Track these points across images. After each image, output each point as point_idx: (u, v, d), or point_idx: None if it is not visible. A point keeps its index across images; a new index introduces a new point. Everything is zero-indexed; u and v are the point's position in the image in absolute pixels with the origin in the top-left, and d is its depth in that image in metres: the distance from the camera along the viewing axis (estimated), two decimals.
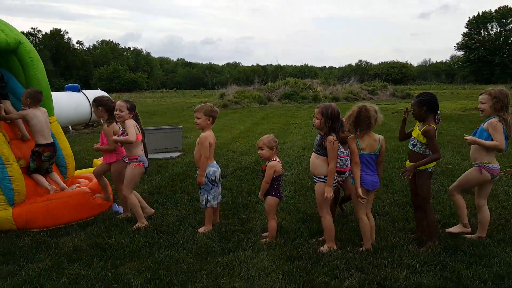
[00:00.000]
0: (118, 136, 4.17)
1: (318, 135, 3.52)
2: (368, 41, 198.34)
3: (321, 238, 3.71)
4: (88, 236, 3.89)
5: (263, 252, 3.48)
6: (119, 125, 4.38)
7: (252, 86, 25.79)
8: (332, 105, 3.50)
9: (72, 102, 12.08)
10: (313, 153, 3.54)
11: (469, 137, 3.50)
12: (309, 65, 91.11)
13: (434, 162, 3.52)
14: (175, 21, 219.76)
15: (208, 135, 3.99)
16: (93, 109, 4.44)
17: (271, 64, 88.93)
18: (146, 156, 4.32)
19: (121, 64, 67.07)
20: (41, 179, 4.56)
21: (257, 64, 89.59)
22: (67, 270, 3.20)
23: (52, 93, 12.20)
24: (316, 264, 3.25)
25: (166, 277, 3.06)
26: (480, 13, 59.67)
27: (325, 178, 3.44)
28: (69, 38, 72.86)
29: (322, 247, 3.53)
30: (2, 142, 4.01)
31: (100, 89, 16.30)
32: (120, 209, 4.68)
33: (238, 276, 3.09)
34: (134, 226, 4.08)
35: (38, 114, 4.50)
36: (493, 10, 59.20)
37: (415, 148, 3.58)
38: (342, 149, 3.99)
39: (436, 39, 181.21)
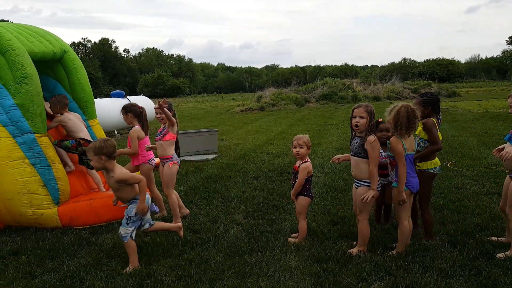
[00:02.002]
0: (158, 136, 4.37)
1: (356, 138, 3.41)
2: (412, 39, 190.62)
3: (354, 243, 3.61)
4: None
5: (291, 253, 3.50)
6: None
7: (289, 87, 25.74)
8: (369, 103, 3.45)
9: (117, 108, 12.64)
10: (353, 157, 3.41)
11: (510, 149, 3.11)
12: (350, 64, 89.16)
13: (438, 163, 3.51)
14: (215, 27, 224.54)
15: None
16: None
17: (310, 65, 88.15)
18: (178, 156, 4.51)
19: (164, 71, 69.69)
20: (64, 154, 4.84)
21: (296, 66, 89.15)
22: (105, 266, 3.42)
23: (99, 99, 13.02)
24: (344, 266, 3.23)
25: (196, 274, 3.18)
26: None
27: (369, 181, 3.35)
28: (116, 47, 76.99)
29: (352, 250, 3.49)
30: (48, 145, 4.37)
31: (144, 95, 17.05)
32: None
33: (265, 276, 3.14)
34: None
35: (71, 117, 4.83)
36: None
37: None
38: (381, 151, 3.87)
39: (486, 34, 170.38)
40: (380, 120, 3.87)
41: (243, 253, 3.56)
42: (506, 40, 59.14)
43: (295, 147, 3.72)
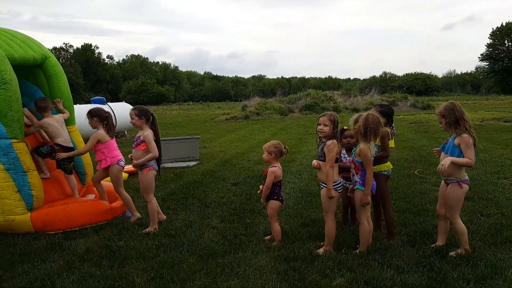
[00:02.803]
0: (134, 143, 4.57)
1: (322, 143, 3.66)
2: (393, 53, 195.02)
3: (321, 243, 3.83)
4: (100, 238, 4.21)
5: (262, 254, 3.68)
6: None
7: (274, 97, 26.14)
8: (334, 113, 3.72)
9: None
10: (318, 161, 3.67)
11: (446, 164, 3.33)
12: (333, 77, 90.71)
13: (390, 166, 3.87)
14: (202, 36, 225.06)
15: None
16: (88, 121, 4.78)
17: (295, 77, 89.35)
18: (159, 162, 4.62)
19: (149, 78, 69.31)
20: (41, 162, 4.90)
21: (282, 77, 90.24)
22: (77, 269, 3.48)
23: (79, 105, 12.98)
24: (310, 264, 3.42)
25: (168, 275, 3.31)
26: (504, 24, 58.36)
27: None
28: (99, 53, 76.35)
29: (319, 250, 3.69)
30: (24, 152, 4.42)
31: (126, 102, 17.07)
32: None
33: (236, 275, 3.29)
34: (144, 230, 4.38)
35: (52, 122, 4.88)
36: None
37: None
38: (346, 156, 4.14)
39: (461, 50, 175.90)
40: (345, 128, 4.16)
41: (216, 255, 3.70)
42: (478, 57, 62.01)
43: (263, 153, 3.96)
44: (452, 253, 3.48)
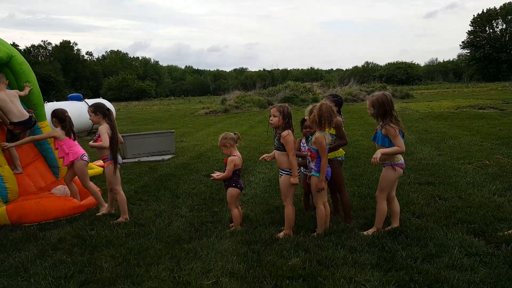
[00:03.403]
0: (94, 138, 4.75)
1: (277, 134, 3.89)
2: (375, 43, 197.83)
3: (282, 228, 4.05)
4: (73, 229, 4.34)
5: (226, 239, 3.87)
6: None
7: (253, 90, 26.26)
8: (285, 104, 3.91)
9: (74, 111, 12.58)
10: (275, 150, 3.92)
11: (377, 157, 3.55)
12: (316, 68, 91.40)
13: (343, 152, 4.12)
14: (182, 29, 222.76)
15: None
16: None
17: (277, 69, 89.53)
18: (117, 155, 4.76)
19: (129, 74, 68.41)
20: (16, 157, 5.07)
21: (264, 69, 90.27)
22: (50, 257, 3.63)
23: (55, 102, 12.86)
24: (268, 246, 3.63)
25: (134, 260, 3.47)
26: (485, 11, 59.16)
27: (290, 171, 3.82)
28: (78, 50, 74.85)
29: (279, 234, 3.90)
30: None
31: (104, 98, 16.92)
32: None
33: (199, 258, 3.47)
34: (116, 221, 4.51)
35: (3, 96, 4.93)
36: (497, 7, 58.72)
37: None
38: (305, 145, 4.35)
39: (443, 39, 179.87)
40: (305, 118, 4.37)
41: (182, 241, 3.88)
42: (460, 45, 62.82)
43: (222, 150, 4.19)
44: (365, 232, 3.80)
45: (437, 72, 72.80)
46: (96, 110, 4.69)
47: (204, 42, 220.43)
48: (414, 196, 4.87)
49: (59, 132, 4.89)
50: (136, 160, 8.46)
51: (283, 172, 3.87)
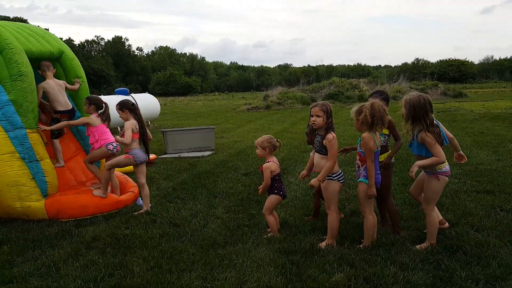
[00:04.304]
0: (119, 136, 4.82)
1: (318, 136, 3.56)
2: (426, 39, 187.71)
3: (324, 237, 3.73)
4: (108, 226, 4.29)
5: (263, 246, 3.61)
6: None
7: (297, 87, 25.76)
8: (327, 102, 3.57)
9: None
10: (316, 153, 3.60)
11: (414, 171, 3.25)
12: (363, 64, 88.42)
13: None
14: (228, 25, 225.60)
15: None
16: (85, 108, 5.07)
17: (322, 64, 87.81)
18: (147, 152, 4.85)
19: (177, 69, 70.32)
20: (59, 151, 5.20)
21: (308, 65, 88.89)
22: (83, 256, 3.56)
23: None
24: (309, 258, 3.32)
25: (166, 265, 3.32)
26: None
27: (333, 175, 3.50)
28: (129, 45, 78.23)
29: (321, 243, 3.58)
30: (38, 142, 4.56)
31: (151, 93, 17.34)
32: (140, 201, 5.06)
33: (233, 267, 3.25)
34: (136, 212, 4.67)
35: (52, 84, 5.07)
36: None
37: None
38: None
39: (500, 35, 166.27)
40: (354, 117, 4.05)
41: (217, 246, 3.68)
42: None
43: (257, 149, 3.91)
44: (418, 246, 3.37)
45: (492, 70, 67.61)
46: (122, 107, 4.76)
47: (249, 38, 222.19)
48: (471, 206, 4.33)
49: (93, 118, 4.93)
50: (176, 155, 8.46)
51: (326, 177, 3.54)
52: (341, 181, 3.54)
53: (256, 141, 3.90)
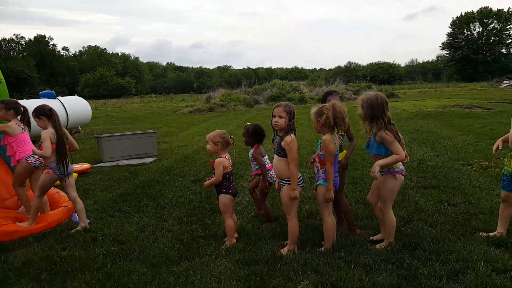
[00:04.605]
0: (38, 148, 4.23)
1: (277, 137, 3.42)
2: (357, 43, 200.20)
3: (285, 242, 3.60)
4: (42, 248, 3.75)
5: (221, 258, 3.37)
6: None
7: (239, 89, 25.69)
8: (290, 103, 3.43)
9: None
10: (275, 155, 3.44)
11: (375, 171, 3.16)
12: (300, 67, 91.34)
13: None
14: (164, 25, 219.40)
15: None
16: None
17: (261, 67, 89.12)
18: (65, 164, 4.20)
19: (108, 70, 66.50)
20: None
21: (248, 67, 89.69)
22: (12, 286, 3.06)
23: (26, 100, 12.00)
24: (272, 267, 3.15)
25: None
26: (463, 14, 60.87)
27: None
28: (54, 45, 72.10)
29: (282, 250, 3.44)
30: None
31: (80, 95, 16.02)
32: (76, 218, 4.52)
33: (191, 284, 2.97)
34: (73, 230, 4.17)
35: None
36: (475, 11, 60.37)
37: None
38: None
39: (423, 40, 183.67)
40: (247, 124, 4.24)
41: (170, 263, 3.36)
42: (439, 46, 64.26)
43: (208, 143, 3.70)
44: (378, 246, 3.39)
45: (417, 72, 73.99)
46: (39, 113, 4.13)
47: (186, 39, 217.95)
48: (421, 201, 4.50)
49: (13, 126, 4.32)
50: (114, 164, 7.82)
51: (284, 182, 3.40)
52: (301, 185, 3.42)
53: (208, 136, 3.68)
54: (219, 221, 4.27)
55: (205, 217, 4.46)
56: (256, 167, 4.25)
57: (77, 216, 4.57)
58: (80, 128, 13.67)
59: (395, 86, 45.16)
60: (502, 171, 3.48)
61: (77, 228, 4.24)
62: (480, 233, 3.53)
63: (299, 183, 3.41)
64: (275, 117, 3.33)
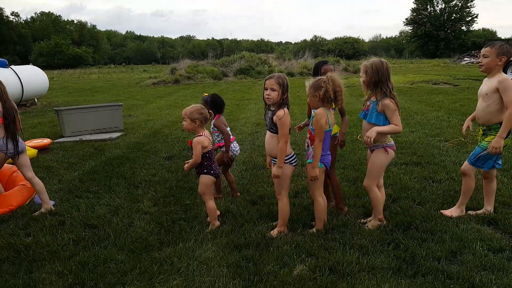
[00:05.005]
0: None
1: (269, 111, 3.13)
2: (323, 17, 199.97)
3: (274, 223, 3.41)
4: (1, 235, 3.32)
5: (208, 242, 3.12)
6: None
7: (206, 60, 24.80)
8: (283, 75, 3.13)
9: None
10: (267, 132, 3.17)
11: (372, 136, 3.02)
12: (266, 40, 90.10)
13: (338, 129, 3.61)
14: None
15: None
16: None
17: (227, 38, 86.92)
18: (14, 140, 3.74)
19: (63, 38, 62.18)
20: None
21: (213, 38, 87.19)
22: None
23: None
24: (264, 251, 2.95)
25: (90, 280, 2.63)
26: None
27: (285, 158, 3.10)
28: (1, 9, 65.85)
29: (272, 232, 3.24)
30: None
31: (33, 64, 14.69)
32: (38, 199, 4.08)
33: (177, 273, 2.72)
34: (36, 213, 3.79)
35: None
36: None
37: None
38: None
39: (387, 15, 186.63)
40: (204, 95, 4.00)
41: (151, 248, 3.07)
42: (403, 21, 65.07)
43: (184, 120, 3.38)
44: (369, 225, 3.30)
45: (380, 48, 75.18)
46: None
47: (146, 6, 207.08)
48: (405, 179, 4.45)
49: None
50: (77, 139, 7.22)
51: (275, 160, 3.15)
52: (293, 164, 3.20)
53: (184, 111, 3.34)
54: (200, 202, 3.99)
55: (184, 197, 4.17)
56: (218, 138, 3.99)
57: (39, 198, 4.13)
58: (36, 100, 12.60)
59: (360, 61, 45.64)
60: (477, 147, 3.39)
61: (41, 210, 3.82)
62: (469, 212, 3.51)
63: (292, 161, 3.18)
64: (267, 89, 3.04)
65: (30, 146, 5.93)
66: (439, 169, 4.77)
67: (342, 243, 3.02)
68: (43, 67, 14.04)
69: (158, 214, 3.70)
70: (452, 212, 3.47)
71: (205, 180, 3.39)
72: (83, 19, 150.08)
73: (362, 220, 3.45)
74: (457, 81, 16.91)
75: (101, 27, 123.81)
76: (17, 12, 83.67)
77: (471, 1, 59.28)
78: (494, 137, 3.20)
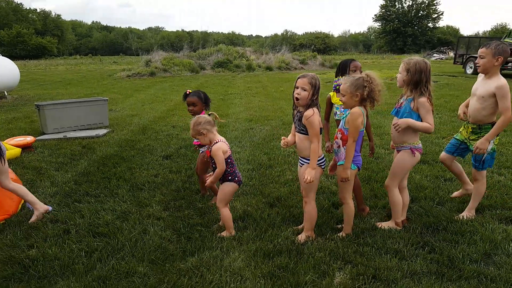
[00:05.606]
0: None
1: (298, 113, 2.95)
2: (293, 11, 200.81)
3: (299, 227, 3.27)
4: (1, 249, 2.97)
5: (234, 250, 2.93)
6: None
7: (181, 52, 24.13)
8: (316, 75, 2.97)
9: None
10: (297, 134, 3.00)
11: (402, 123, 3.04)
12: (237, 33, 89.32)
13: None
14: None
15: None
16: None
17: (197, 30, 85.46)
18: None
19: (26, 28, 58.76)
20: None
21: (182, 30, 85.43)
22: None
23: None
24: (298, 259, 2.80)
25: None
26: None
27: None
28: None
29: (299, 236, 3.10)
30: None
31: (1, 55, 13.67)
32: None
33: (210, 285, 2.52)
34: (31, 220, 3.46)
35: None
36: None
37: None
38: None
39: (356, 11, 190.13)
40: (188, 91, 3.81)
41: (174, 259, 2.84)
42: (372, 17, 66.49)
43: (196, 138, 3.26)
44: (384, 225, 3.26)
45: (349, 43, 76.45)
46: None
47: None
48: (417, 177, 4.42)
49: None
50: (61, 136, 6.74)
51: (304, 160, 3.01)
52: (323, 167, 3.05)
53: (191, 133, 3.21)
54: (214, 205, 3.78)
55: (195, 200, 3.93)
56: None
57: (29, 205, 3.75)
58: (6, 93, 11.69)
59: (334, 56, 46.23)
60: (455, 136, 3.54)
61: (35, 214, 3.47)
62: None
63: (321, 164, 3.03)
64: (297, 88, 2.87)
65: (12, 145, 5.43)
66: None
67: (375, 248, 2.93)
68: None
69: (172, 220, 3.46)
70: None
71: (229, 188, 3.17)
72: (47, 8, 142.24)
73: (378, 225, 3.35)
74: (434, 77, 17.37)
75: (66, 17, 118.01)
76: None
77: None
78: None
